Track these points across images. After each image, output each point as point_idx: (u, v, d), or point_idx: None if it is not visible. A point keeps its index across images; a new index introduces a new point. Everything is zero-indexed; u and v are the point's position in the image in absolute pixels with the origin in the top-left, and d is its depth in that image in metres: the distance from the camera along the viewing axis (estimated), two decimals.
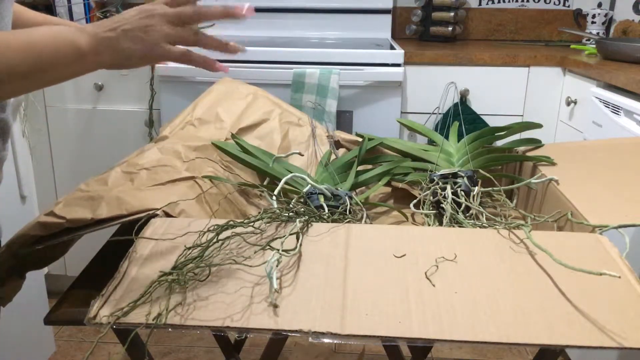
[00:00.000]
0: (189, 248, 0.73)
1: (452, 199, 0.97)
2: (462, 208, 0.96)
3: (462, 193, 0.99)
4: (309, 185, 0.97)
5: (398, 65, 1.77)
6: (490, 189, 1.02)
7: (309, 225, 0.81)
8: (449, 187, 1.00)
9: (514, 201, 1.14)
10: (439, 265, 0.71)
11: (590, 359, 1.50)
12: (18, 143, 1.59)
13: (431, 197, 1.02)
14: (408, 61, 1.81)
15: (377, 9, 2.27)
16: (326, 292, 0.66)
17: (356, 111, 1.80)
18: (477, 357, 1.80)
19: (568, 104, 1.78)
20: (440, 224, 0.96)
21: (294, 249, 0.72)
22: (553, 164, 1.07)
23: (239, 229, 0.77)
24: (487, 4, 2.37)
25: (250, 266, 0.70)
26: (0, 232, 0.87)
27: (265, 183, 1.12)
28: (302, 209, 0.87)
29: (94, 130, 1.91)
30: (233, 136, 1.15)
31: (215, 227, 0.76)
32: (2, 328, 1.48)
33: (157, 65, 1.78)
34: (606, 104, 1.53)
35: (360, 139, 1.27)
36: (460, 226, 0.91)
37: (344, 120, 1.80)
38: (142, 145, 1.08)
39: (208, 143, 1.09)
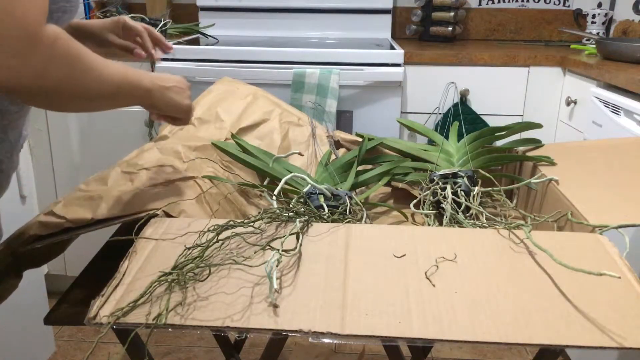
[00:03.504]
0: (189, 248, 0.73)
1: (452, 199, 0.97)
2: (462, 208, 0.96)
3: (462, 193, 0.99)
4: (309, 185, 0.97)
5: (398, 65, 1.77)
6: (490, 189, 1.02)
7: (309, 225, 0.81)
8: (449, 187, 1.00)
9: (514, 201, 1.14)
10: (439, 265, 0.71)
11: (590, 359, 1.50)
12: None
13: (431, 197, 1.02)
14: (408, 61, 1.81)
15: (377, 9, 2.27)
16: (326, 292, 0.66)
17: (356, 111, 1.80)
18: (477, 357, 1.80)
19: (568, 104, 1.78)
20: (440, 224, 0.96)
21: (294, 249, 0.72)
22: (553, 164, 1.07)
23: (239, 229, 0.78)
24: (487, 4, 2.37)
25: (250, 266, 0.70)
26: (1, 234, 0.87)
27: (265, 183, 1.12)
28: (302, 209, 0.87)
29: (94, 130, 1.91)
30: (233, 136, 1.15)
31: (215, 227, 0.76)
32: (2, 328, 1.48)
33: (156, 65, 1.78)
34: (606, 104, 1.53)
35: (360, 139, 1.27)
36: (460, 226, 0.91)
37: (344, 120, 1.80)
38: (142, 145, 1.07)
39: (208, 143, 1.09)
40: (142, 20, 1.91)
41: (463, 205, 0.96)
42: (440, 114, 1.86)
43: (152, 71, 1.81)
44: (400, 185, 1.16)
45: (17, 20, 0.56)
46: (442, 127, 1.83)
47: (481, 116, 1.85)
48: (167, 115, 0.88)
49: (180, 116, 0.88)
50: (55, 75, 0.61)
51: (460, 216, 0.93)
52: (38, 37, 0.58)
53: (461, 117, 1.82)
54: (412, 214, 1.08)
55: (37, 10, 0.58)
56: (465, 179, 1.01)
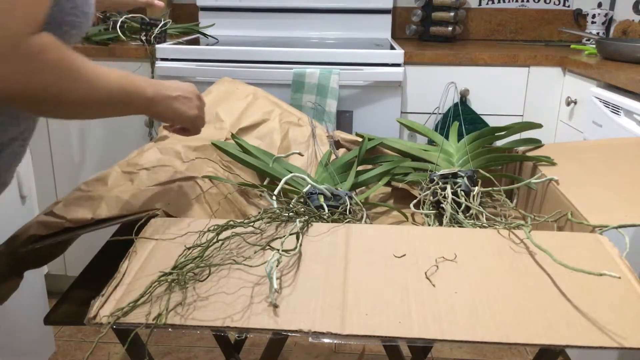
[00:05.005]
0: (189, 248, 0.73)
1: (452, 199, 0.97)
2: (462, 208, 0.96)
3: (462, 193, 0.99)
4: (309, 185, 0.97)
5: (398, 65, 1.77)
6: (490, 189, 1.02)
7: (309, 225, 0.81)
8: (449, 187, 1.00)
9: (514, 201, 1.14)
10: (439, 265, 0.71)
11: (590, 359, 1.50)
12: None
13: (431, 197, 1.02)
14: (408, 61, 1.81)
15: (377, 9, 2.27)
16: (326, 292, 0.66)
17: (356, 111, 1.80)
18: (477, 357, 1.80)
19: (568, 104, 1.78)
20: (440, 224, 0.96)
21: (294, 249, 0.72)
22: (553, 164, 1.07)
23: (239, 229, 0.78)
24: (487, 4, 2.37)
25: (250, 266, 0.70)
26: None
27: (265, 183, 1.12)
28: (302, 209, 0.87)
29: (94, 130, 1.91)
30: (233, 136, 1.15)
31: (215, 227, 0.76)
32: (2, 328, 1.48)
33: (157, 65, 1.78)
34: (606, 104, 1.53)
35: (360, 139, 1.27)
36: (460, 226, 0.91)
37: (344, 120, 1.80)
38: (142, 145, 1.07)
39: (208, 143, 1.09)
40: (142, 20, 1.91)
41: (463, 205, 0.96)
42: (440, 114, 1.86)
43: (152, 71, 1.81)
44: (400, 185, 1.16)
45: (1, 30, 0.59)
46: (442, 127, 1.83)
47: (481, 116, 1.85)
48: (176, 126, 0.89)
49: (187, 126, 0.89)
50: (41, 85, 0.64)
51: (460, 216, 0.93)
52: (21, 47, 0.61)
53: (461, 117, 1.82)
54: (412, 214, 1.08)
55: (23, 21, 0.61)
56: (465, 179, 1.01)
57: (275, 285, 0.65)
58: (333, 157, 1.21)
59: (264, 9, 2.28)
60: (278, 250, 0.70)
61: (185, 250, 0.72)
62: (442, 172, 1.05)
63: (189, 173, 0.96)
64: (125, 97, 0.75)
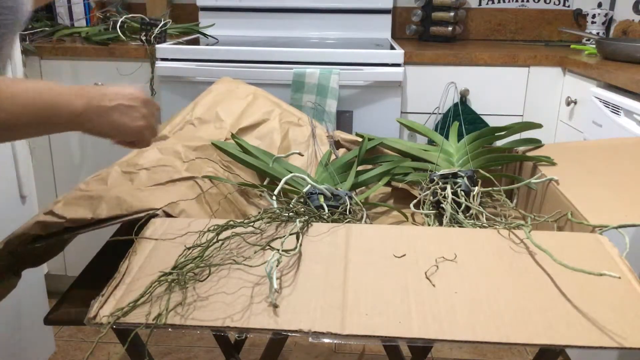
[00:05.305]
0: (189, 248, 0.73)
1: (452, 199, 0.97)
2: (462, 208, 0.96)
3: (462, 193, 0.99)
4: (309, 185, 0.97)
5: (398, 65, 1.77)
6: (490, 189, 1.02)
7: (309, 225, 0.81)
8: (449, 187, 1.00)
9: (514, 201, 1.14)
10: (439, 265, 0.71)
11: (590, 359, 1.50)
12: (18, 143, 1.59)
13: (431, 197, 1.02)
14: (408, 61, 1.81)
15: (377, 9, 2.27)
16: (326, 292, 0.66)
17: (356, 111, 1.80)
18: (477, 357, 1.80)
19: (568, 104, 1.78)
20: (440, 224, 0.96)
21: (294, 249, 0.72)
22: (553, 164, 1.07)
23: (239, 229, 0.77)
24: (487, 4, 2.37)
25: (250, 266, 0.70)
26: None
27: (265, 183, 1.12)
28: (302, 209, 0.87)
29: None
30: (233, 136, 1.15)
31: (215, 227, 0.76)
32: (2, 328, 1.48)
33: (157, 65, 1.78)
34: (606, 104, 1.53)
35: (360, 139, 1.27)
36: (460, 226, 0.91)
37: (344, 120, 1.80)
38: None
39: (208, 143, 1.09)
40: (142, 20, 1.91)
41: (463, 205, 0.96)
42: (440, 114, 1.86)
43: (152, 71, 1.81)
44: (400, 185, 1.16)
45: None
46: (442, 127, 1.83)
47: (481, 116, 1.85)
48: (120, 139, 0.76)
49: (133, 139, 0.77)
50: None
51: (460, 216, 0.93)
52: None
53: (461, 117, 1.82)
54: (412, 214, 1.08)
55: None
56: (465, 179, 1.01)
57: (275, 285, 0.65)
58: (333, 157, 1.21)
59: (264, 9, 2.28)
60: (278, 250, 0.70)
61: (185, 250, 0.72)
62: (442, 172, 1.05)
63: (189, 173, 0.96)
64: (48, 115, 0.65)
